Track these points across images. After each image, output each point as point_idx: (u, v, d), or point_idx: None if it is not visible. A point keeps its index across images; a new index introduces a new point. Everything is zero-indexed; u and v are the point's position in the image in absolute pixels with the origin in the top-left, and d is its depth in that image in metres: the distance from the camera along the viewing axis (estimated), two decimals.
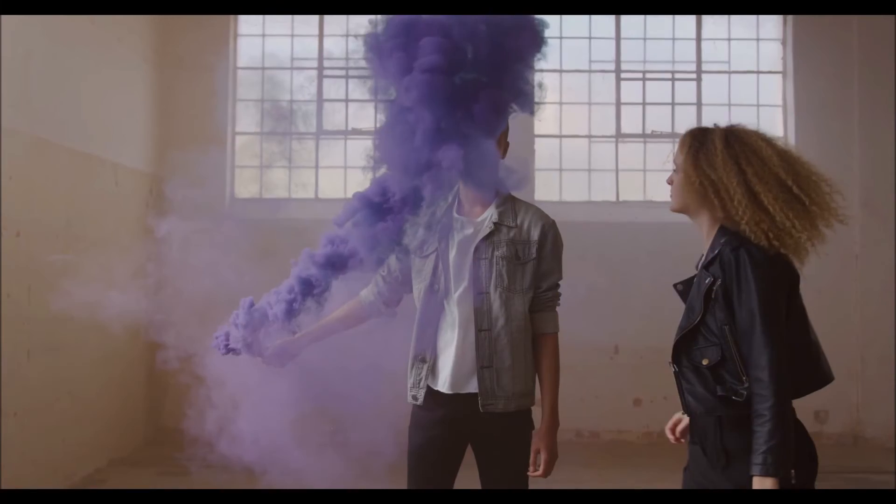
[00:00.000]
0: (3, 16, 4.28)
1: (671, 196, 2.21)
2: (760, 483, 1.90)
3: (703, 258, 2.14)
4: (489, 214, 2.63)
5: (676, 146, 2.20)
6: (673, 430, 2.40)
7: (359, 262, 2.63)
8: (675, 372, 2.16)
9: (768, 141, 2.09)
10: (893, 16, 6.45)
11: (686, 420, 2.27)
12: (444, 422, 2.60)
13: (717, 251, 2.05)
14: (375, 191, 2.60)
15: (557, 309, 2.68)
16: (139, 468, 5.60)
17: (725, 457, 2.04)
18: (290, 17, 6.93)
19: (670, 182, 2.21)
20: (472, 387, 2.57)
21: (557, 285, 2.65)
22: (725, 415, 2.03)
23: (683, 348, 2.10)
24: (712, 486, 2.08)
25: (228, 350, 2.67)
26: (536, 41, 2.60)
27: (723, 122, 2.18)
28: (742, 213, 2.01)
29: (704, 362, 2.05)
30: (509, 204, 2.66)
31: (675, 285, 2.23)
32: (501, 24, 2.54)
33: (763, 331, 1.95)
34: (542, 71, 2.68)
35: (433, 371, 2.62)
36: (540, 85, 2.72)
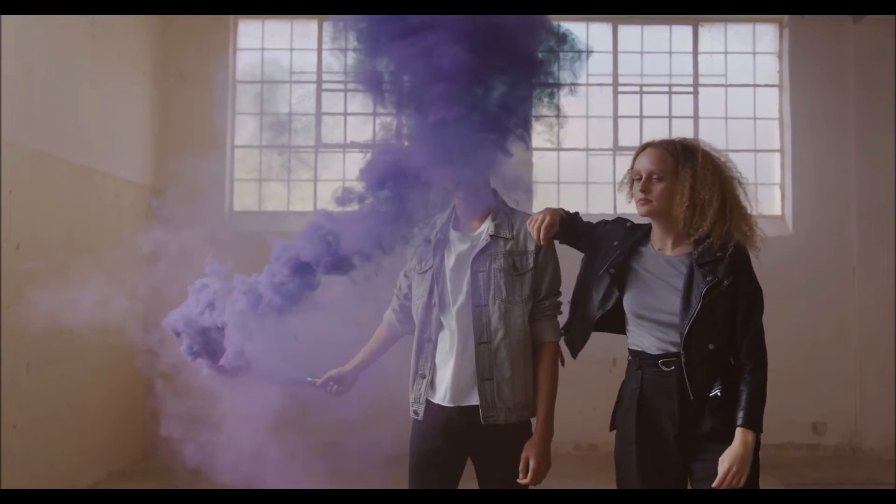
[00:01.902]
0: (4, 29, 4.30)
1: (650, 200, 2.42)
2: (743, 434, 2.22)
3: (696, 255, 2.36)
4: (485, 228, 2.63)
5: (661, 155, 2.41)
6: (546, 230, 2.48)
7: (355, 258, 2.48)
8: (676, 362, 2.33)
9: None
10: (890, 25, 6.49)
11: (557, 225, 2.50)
12: (445, 434, 2.60)
13: (723, 254, 2.33)
14: (374, 180, 2.48)
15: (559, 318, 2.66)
16: (138, 480, 5.58)
17: (725, 431, 2.26)
18: (288, 29, 6.97)
19: (647, 190, 2.41)
20: (473, 399, 2.57)
21: (557, 293, 2.64)
22: (720, 393, 2.30)
23: (692, 338, 2.30)
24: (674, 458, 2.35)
25: (220, 367, 2.54)
26: (552, 47, 2.60)
27: (719, 136, 2.31)
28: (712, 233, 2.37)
29: (711, 347, 2.30)
30: (505, 216, 2.65)
31: (608, 269, 2.48)
32: (515, 27, 2.50)
33: (758, 321, 2.33)
34: (541, 84, 2.66)
35: (432, 385, 2.63)
36: (553, 96, 2.71)
